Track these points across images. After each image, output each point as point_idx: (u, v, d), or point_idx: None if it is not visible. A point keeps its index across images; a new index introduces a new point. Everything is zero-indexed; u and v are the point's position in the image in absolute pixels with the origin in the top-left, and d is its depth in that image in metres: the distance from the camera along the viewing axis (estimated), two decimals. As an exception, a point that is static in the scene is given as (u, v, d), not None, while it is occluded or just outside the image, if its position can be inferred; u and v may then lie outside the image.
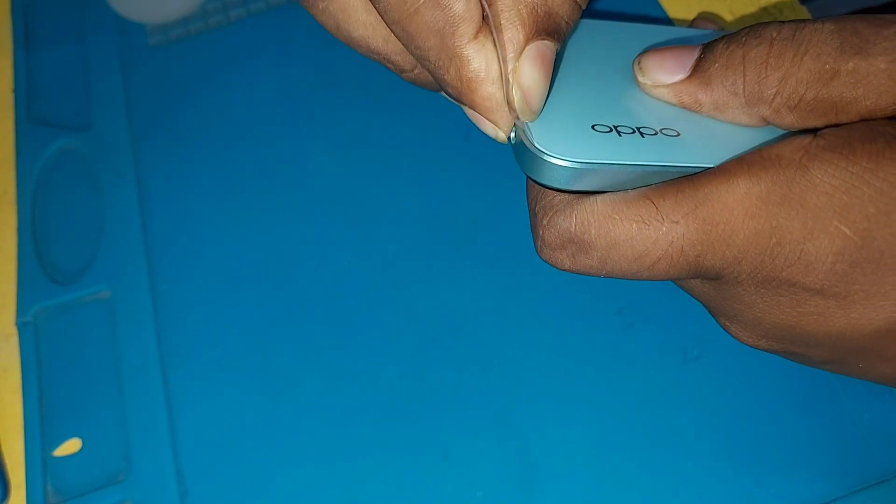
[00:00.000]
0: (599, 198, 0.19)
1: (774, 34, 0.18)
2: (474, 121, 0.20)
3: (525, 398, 0.27)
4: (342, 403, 0.28)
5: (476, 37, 0.18)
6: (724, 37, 0.20)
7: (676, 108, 0.21)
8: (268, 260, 0.31)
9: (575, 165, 0.19)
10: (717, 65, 0.19)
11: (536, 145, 0.19)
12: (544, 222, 0.20)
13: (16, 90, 0.36)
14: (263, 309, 0.30)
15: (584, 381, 0.27)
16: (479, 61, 0.19)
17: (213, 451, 0.28)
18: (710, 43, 0.20)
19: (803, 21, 0.18)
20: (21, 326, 0.31)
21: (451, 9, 0.18)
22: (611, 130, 0.20)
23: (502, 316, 0.29)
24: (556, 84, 0.21)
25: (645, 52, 0.21)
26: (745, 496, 0.25)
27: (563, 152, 0.19)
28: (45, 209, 0.33)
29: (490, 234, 0.30)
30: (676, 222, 0.18)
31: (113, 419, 0.29)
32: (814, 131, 0.19)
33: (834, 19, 0.18)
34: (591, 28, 0.25)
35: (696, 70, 0.20)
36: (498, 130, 0.20)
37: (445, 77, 0.19)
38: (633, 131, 0.20)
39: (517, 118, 0.19)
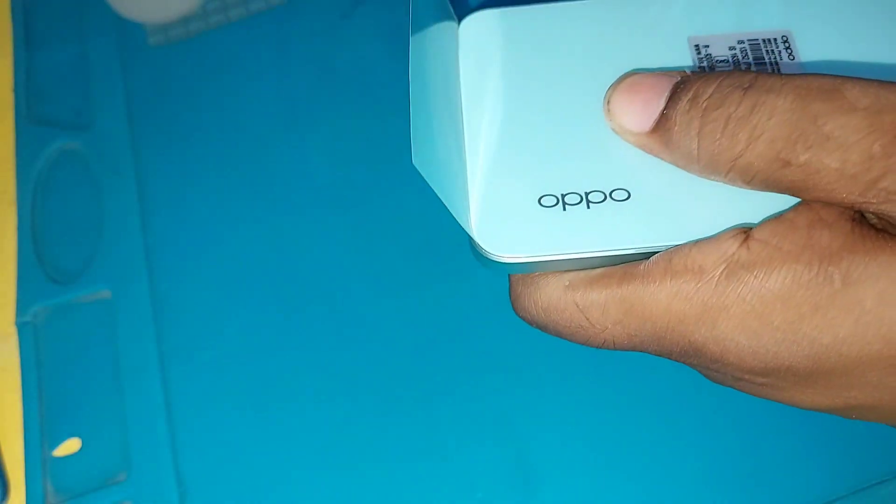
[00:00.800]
0: (542, 292, 0.21)
1: (732, 109, 0.18)
2: None
3: (525, 398, 0.27)
4: (342, 403, 0.28)
5: None
6: (689, 89, 0.19)
7: (632, 151, 0.21)
8: (268, 260, 0.31)
9: (513, 262, 0.20)
10: (676, 128, 0.19)
11: (477, 241, 0.20)
12: (511, 298, 0.22)
13: (16, 90, 0.36)
14: (263, 309, 0.30)
15: (583, 380, 0.27)
16: None
17: (212, 451, 0.28)
18: (674, 97, 0.19)
19: (767, 88, 0.18)
20: (21, 326, 0.31)
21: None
22: (557, 202, 0.21)
23: (502, 316, 0.29)
24: (510, 130, 0.22)
25: (616, 86, 0.21)
26: (745, 496, 0.25)
27: (501, 247, 0.20)
28: (44, 209, 0.33)
29: (490, 235, 0.30)
30: (605, 329, 0.20)
31: (113, 419, 0.29)
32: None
33: (795, 89, 0.17)
34: (565, 21, 0.24)
35: (658, 127, 0.20)
36: None
37: None
38: (581, 199, 0.21)
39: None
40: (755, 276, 0.18)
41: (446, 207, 0.20)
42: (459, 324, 0.29)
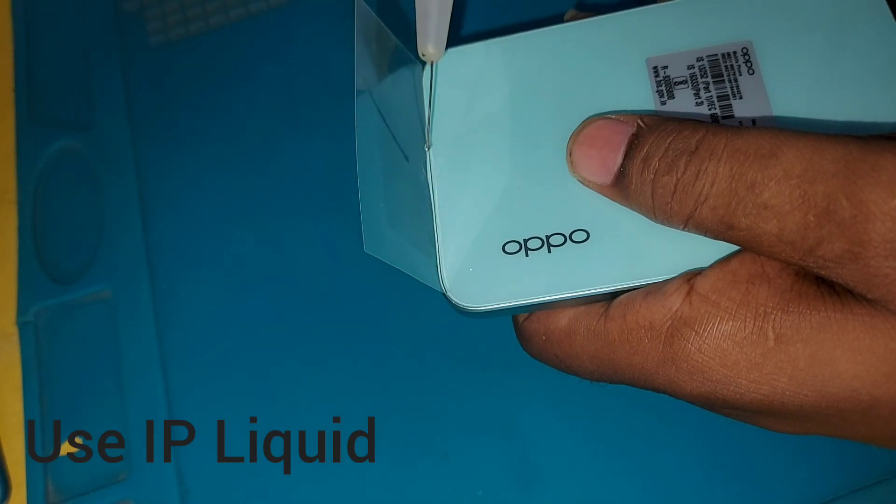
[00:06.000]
0: (529, 343, 0.23)
1: (679, 174, 0.18)
2: None
3: (527, 395, 0.27)
4: (343, 402, 0.28)
5: None
6: (643, 147, 0.19)
7: (588, 191, 0.21)
8: (268, 259, 0.31)
9: (486, 310, 0.21)
10: (632, 185, 0.20)
11: (450, 296, 0.21)
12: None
13: (16, 89, 0.36)
14: (264, 308, 0.30)
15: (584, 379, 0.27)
16: None
17: (212, 451, 0.28)
18: (629, 153, 0.20)
19: (710, 153, 0.18)
20: (22, 326, 0.31)
21: None
22: (520, 248, 0.21)
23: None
24: (473, 175, 0.23)
25: (575, 137, 0.21)
26: (745, 495, 0.25)
27: (472, 299, 0.21)
28: (45, 209, 0.34)
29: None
30: (588, 373, 0.21)
31: (113, 419, 0.29)
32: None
33: (734, 154, 0.18)
34: (522, 52, 0.24)
35: (617, 181, 0.20)
36: None
37: None
38: (543, 244, 0.21)
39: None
40: (696, 333, 0.19)
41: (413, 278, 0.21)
42: (461, 320, 0.29)
